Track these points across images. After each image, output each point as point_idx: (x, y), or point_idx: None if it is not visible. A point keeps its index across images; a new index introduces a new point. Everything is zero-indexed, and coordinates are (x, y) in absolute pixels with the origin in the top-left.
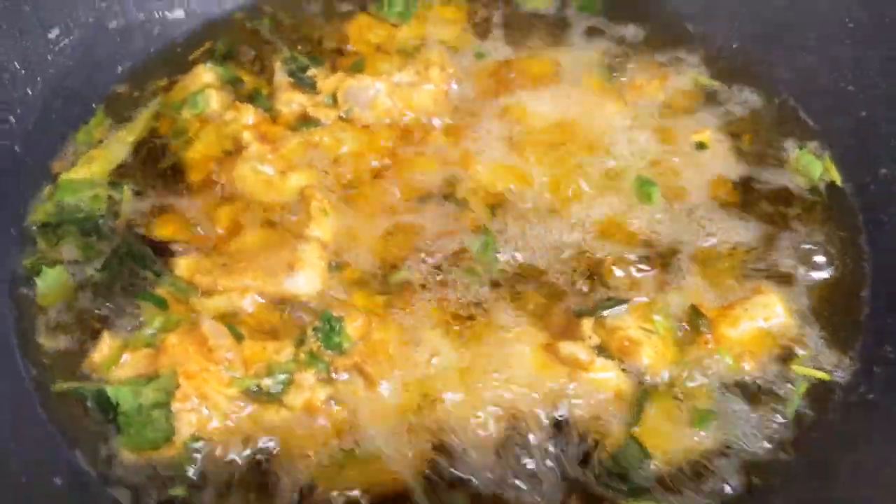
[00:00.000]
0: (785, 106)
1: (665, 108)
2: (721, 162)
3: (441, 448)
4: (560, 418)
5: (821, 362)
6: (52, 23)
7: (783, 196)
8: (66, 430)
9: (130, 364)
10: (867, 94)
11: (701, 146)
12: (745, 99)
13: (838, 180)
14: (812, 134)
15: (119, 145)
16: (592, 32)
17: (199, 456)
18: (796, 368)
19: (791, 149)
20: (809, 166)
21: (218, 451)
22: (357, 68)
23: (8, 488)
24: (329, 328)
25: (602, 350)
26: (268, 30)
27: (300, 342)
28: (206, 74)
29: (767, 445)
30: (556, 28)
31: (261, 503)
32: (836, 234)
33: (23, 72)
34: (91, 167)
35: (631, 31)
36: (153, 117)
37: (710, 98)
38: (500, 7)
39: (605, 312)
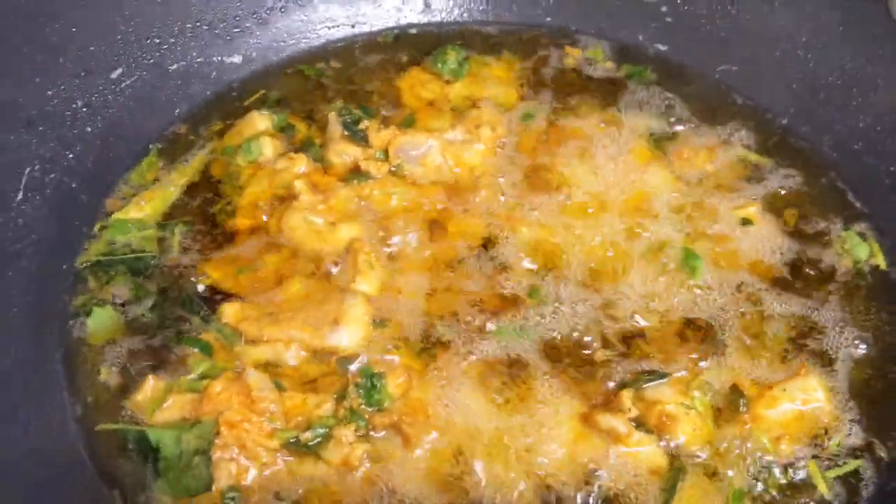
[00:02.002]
0: (832, 186)
1: (711, 180)
2: (766, 238)
3: None
4: (594, 492)
5: (856, 448)
6: (115, 63)
7: (827, 276)
8: (105, 471)
9: (173, 408)
10: None
11: (746, 222)
12: (792, 176)
13: (883, 264)
14: (858, 216)
15: (172, 187)
16: (642, 99)
17: None
18: (830, 452)
19: (836, 229)
20: (855, 248)
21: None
22: (408, 123)
23: None
24: (370, 385)
25: (640, 424)
26: (322, 80)
27: (341, 397)
28: (260, 121)
29: None
30: (607, 91)
31: None
32: (879, 317)
33: (84, 110)
34: (143, 208)
35: (680, 101)
36: (207, 161)
37: (757, 173)
38: (550, 66)
39: (646, 385)
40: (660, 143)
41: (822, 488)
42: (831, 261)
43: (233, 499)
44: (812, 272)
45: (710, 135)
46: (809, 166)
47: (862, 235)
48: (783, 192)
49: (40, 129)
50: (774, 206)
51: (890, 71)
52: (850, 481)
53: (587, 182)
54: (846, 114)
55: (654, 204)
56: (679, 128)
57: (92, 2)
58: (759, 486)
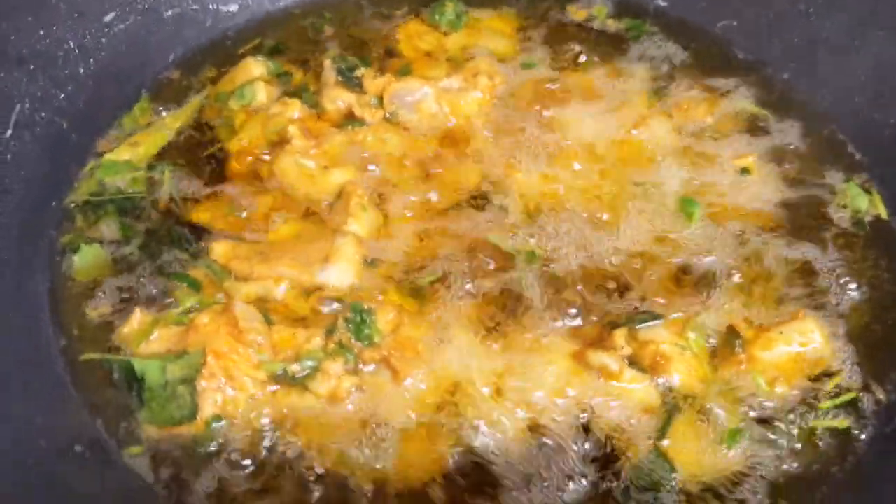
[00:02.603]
0: (832, 139)
1: (710, 131)
2: (764, 187)
3: (462, 449)
4: (586, 428)
5: (854, 392)
6: (109, 7)
7: (826, 225)
8: (89, 400)
9: (159, 340)
10: None
11: (745, 171)
12: (792, 129)
13: (884, 213)
14: (859, 167)
15: (164, 130)
16: (641, 51)
17: (220, 435)
18: (827, 396)
19: (837, 180)
20: (856, 199)
21: (239, 433)
22: (404, 72)
23: (28, 451)
24: (360, 320)
25: (633, 363)
26: (318, 29)
27: (330, 332)
28: (255, 67)
29: (794, 470)
30: (605, 44)
31: (278, 485)
32: (878, 265)
33: (76, 51)
34: (135, 150)
35: (679, 53)
36: (200, 106)
37: (757, 126)
38: (549, 20)
39: (640, 326)
40: (660, 94)
41: (818, 430)
42: (831, 211)
43: (218, 428)
44: (811, 221)
45: (710, 88)
46: (810, 119)
47: (863, 186)
48: (783, 145)
49: (31, 67)
50: (774, 157)
51: (890, 24)
52: (847, 424)
53: (586, 131)
54: (846, 67)
55: (652, 153)
56: (679, 81)
57: None
58: (755, 426)
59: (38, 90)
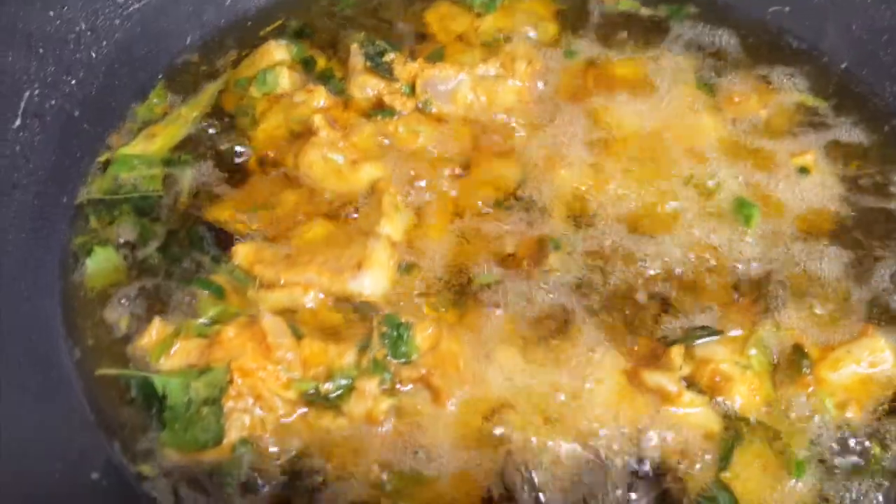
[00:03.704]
0: (895, 134)
1: (765, 126)
2: (824, 188)
3: (506, 476)
4: (642, 455)
5: None
6: None
7: (889, 230)
8: (105, 420)
9: (181, 354)
10: None
11: (804, 170)
12: (852, 123)
13: None
14: None
15: (181, 122)
16: (689, 39)
17: (247, 461)
18: None
19: None
20: None
21: (268, 459)
22: (436, 57)
23: (41, 480)
24: (397, 335)
25: (691, 383)
26: (345, 11)
27: (364, 347)
28: (277, 51)
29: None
30: (651, 32)
31: None
32: None
33: (89, 33)
34: (151, 143)
35: (728, 41)
36: (219, 93)
37: (814, 120)
38: (592, 5)
39: (697, 343)
40: (709, 86)
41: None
42: (893, 212)
43: (245, 453)
44: (875, 224)
45: (762, 79)
46: (871, 113)
47: None
48: (842, 140)
49: (41, 51)
50: (833, 154)
51: None
52: None
53: (632, 125)
54: None
55: (704, 149)
56: (729, 71)
57: None
58: (825, 456)
59: (48, 76)
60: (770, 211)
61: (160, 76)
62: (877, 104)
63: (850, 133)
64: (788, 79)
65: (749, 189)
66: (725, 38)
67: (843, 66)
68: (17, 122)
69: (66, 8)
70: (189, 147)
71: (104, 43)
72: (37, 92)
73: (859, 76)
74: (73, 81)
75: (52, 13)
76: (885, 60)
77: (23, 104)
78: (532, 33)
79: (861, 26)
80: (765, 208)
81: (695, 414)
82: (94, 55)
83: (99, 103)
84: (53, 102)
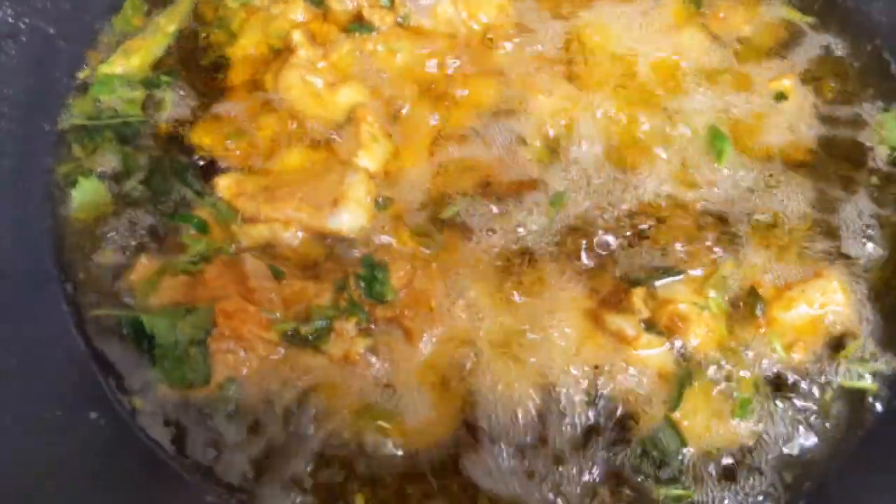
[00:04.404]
0: (877, 56)
1: (747, 43)
2: (798, 117)
3: (473, 411)
4: (598, 393)
5: (872, 359)
6: None
7: (860, 162)
8: (99, 357)
9: (168, 290)
10: None
11: (780, 96)
12: (835, 42)
13: None
14: None
15: (159, 35)
16: None
17: (234, 398)
18: (844, 364)
19: (876, 108)
20: (892, 133)
21: (254, 395)
22: None
23: (42, 422)
24: (372, 276)
25: (650, 324)
26: None
27: (342, 287)
28: None
29: (804, 443)
30: None
31: (296, 450)
32: None
33: None
34: (129, 60)
35: None
36: (195, 4)
37: (797, 37)
38: None
39: (658, 283)
40: None
41: (832, 402)
42: (866, 146)
43: (232, 390)
44: (845, 157)
45: None
46: (855, 31)
47: None
48: (823, 60)
49: None
50: (813, 75)
51: None
52: (861, 395)
53: (614, 43)
54: None
55: (684, 72)
56: None
57: None
58: (767, 396)
59: None
60: (743, 141)
61: None
62: (862, 21)
63: (832, 53)
64: None
65: (724, 117)
66: None
67: None
68: None
69: None
70: (168, 65)
71: None
72: (9, 11)
73: None
74: None
75: None
76: None
77: None
78: None
79: None
80: (738, 139)
81: (652, 354)
82: None
83: (74, 18)
84: (27, 21)
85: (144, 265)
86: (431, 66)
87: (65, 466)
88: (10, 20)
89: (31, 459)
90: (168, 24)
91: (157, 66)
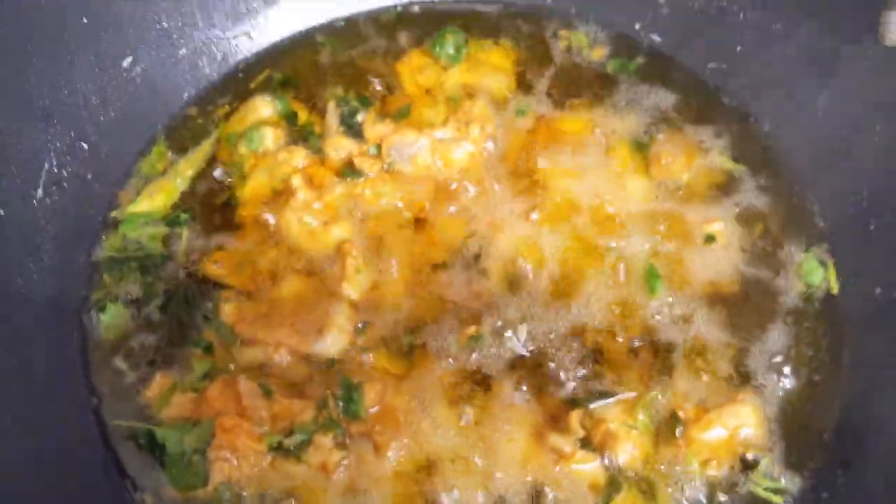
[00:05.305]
0: (801, 203)
1: (685, 190)
2: (726, 257)
3: None
4: (540, 502)
5: (776, 477)
6: (126, 52)
7: (777, 298)
8: (116, 457)
9: (177, 406)
10: (881, 207)
11: (710, 238)
12: (764, 189)
13: (835, 290)
14: (820, 237)
15: (180, 178)
16: (632, 96)
17: (227, 500)
18: (752, 482)
19: (797, 250)
20: (811, 272)
21: (243, 497)
22: (403, 114)
23: None
24: (349, 397)
25: (585, 441)
26: (325, 60)
27: (322, 405)
28: (263, 108)
29: None
30: (598, 86)
31: None
32: (820, 344)
33: (96, 100)
34: (153, 200)
35: (669, 99)
36: (213, 149)
37: (731, 183)
38: (547, 55)
39: (593, 405)
40: (641, 147)
41: None
42: (785, 284)
43: (225, 493)
44: (765, 295)
45: (691, 137)
46: (783, 180)
47: (820, 259)
48: (752, 205)
49: (56, 122)
50: (742, 219)
51: (878, 98)
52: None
53: (566, 187)
54: (829, 131)
55: (627, 213)
56: (662, 129)
57: None
58: None
59: (64, 144)
60: (675, 278)
61: (160, 132)
62: (790, 171)
63: (761, 199)
64: (714, 139)
65: (659, 257)
66: (664, 95)
67: (766, 128)
68: (40, 193)
69: (77, 78)
70: (186, 203)
71: (111, 107)
72: (55, 162)
73: (780, 141)
74: (86, 147)
75: (65, 84)
76: (804, 128)
77: (43, 175)
78: (491, 85)
79: (788, 93)
80: (670, 274)
81: (585, 469)
82: (102, 119)
83: (108, 164)
84: (70, 169)
85: (159, 382)
86: (410, 205)
87: None
88: (55, 170)
89: None
90: (187, 169)
91: (177, 204)
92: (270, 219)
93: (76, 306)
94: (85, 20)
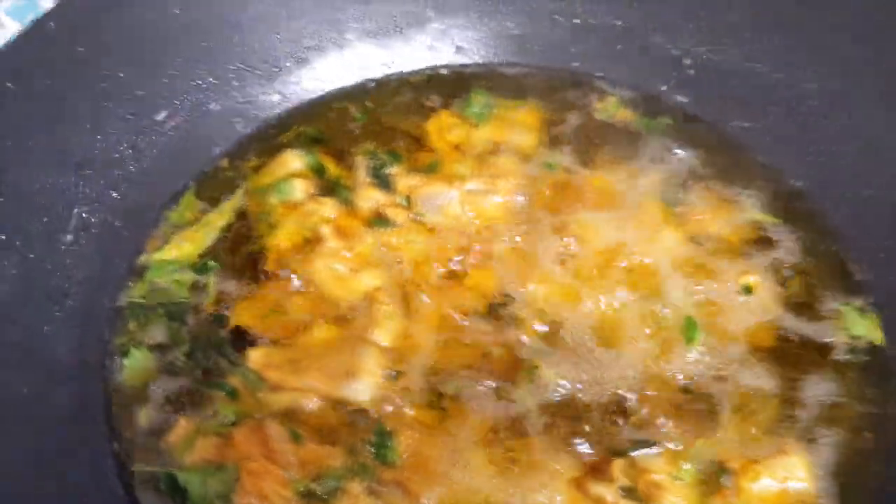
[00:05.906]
0: (837, 256)
1: (719, 243)
2: (764, 308)
3: None
4: None
5: None
6: (161, 106)
7: (821, 351)
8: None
9: (200, 450)
10: None
11: (747, 290)
12: (799, 242)
13: (880, 341)
14: (859, 289)
15: (209, 229)
16: (660, 153)
17: None
18: None
19: (836, 302)
20: (853, 324)
21: None
22: (432, 168)
23: None
24: (382, 443)
25: (629, 491)
26: (355, 119)
27: (353, 451)
28: (293, 161)
29: None
30: (626, 144)
31: None
32: (867, 396)
33: (129, 152)
34: (181, 248)
35: (696, 157)
36: (242, 202)
37: (765, 236)
38: (573, 114)
39: (636, 453)
40: (672, 202)
41: None
42: (827, 335)
43: None
44: (807, 346)
45: (722, 193)
46: (818, 234)
47: (861, 310)
48: (788, 259)
49: (88, 172)
50: (778, 272)
51: None
52: None
53: (598, 240)
54: (861, 184)
55: (661, 266)
56: (693, 186)
57: (138, 48)
58: None
59: (95, 193)
60: (714, 329)
61: (191, 183)
62: (824, 225)
63: (797, 252)
64: (745, 196)
65: (697, 308)
66: (694, 152)
67: (797, 184)
68: (69, 238)
69: (110, 131)
70: (215, 252)
71: (143, 158)
72: (85, 209)
73: (813, 196)
74: (116, 195)
75: (99, 136)
76: (837, 183)
77: (73, 221)
78: (518, 141)
79: (818, 148)
80: (710, 327)
81: None
82: (133, 170)
83: (137, 212)
84: (99, 216)
85: (183, 427)
86: (441, 255)
87: None
88: (84, 216)
89: None
90: (218, 220)
91: (205, 253)
92: (300, 267)
93: (99, 351)
94: (121, 75)
